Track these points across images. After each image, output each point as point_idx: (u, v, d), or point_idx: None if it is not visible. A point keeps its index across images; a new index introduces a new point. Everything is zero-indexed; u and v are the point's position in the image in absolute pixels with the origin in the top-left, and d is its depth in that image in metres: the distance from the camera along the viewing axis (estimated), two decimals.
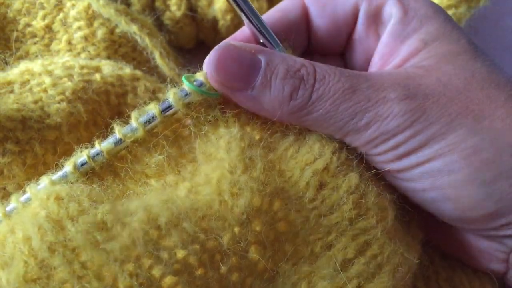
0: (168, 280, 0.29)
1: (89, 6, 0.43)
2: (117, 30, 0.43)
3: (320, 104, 0.33)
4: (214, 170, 0.33)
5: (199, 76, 0.35)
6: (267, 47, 0.37)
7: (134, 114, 0.35)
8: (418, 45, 0.36)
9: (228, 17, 0.51)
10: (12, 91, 0.41)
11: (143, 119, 0.35)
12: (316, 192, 0.34)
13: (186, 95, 0.35)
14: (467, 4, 0.51)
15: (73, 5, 0.43)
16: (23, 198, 0.34)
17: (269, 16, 0.39)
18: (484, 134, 0.33)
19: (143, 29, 0.44)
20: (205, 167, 0.34)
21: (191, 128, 0.35)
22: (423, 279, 0.39)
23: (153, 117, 0.35)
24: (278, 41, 0.37)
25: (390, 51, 0.37)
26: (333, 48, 0.41)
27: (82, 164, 0.34)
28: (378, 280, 0.33)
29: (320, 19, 0.39)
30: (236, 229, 0.31)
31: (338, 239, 0.34)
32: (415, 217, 0.39)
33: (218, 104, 0.36)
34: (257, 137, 0.36)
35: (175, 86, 0.35)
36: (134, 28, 0.43)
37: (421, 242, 0.38)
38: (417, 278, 0.38)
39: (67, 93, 0.40)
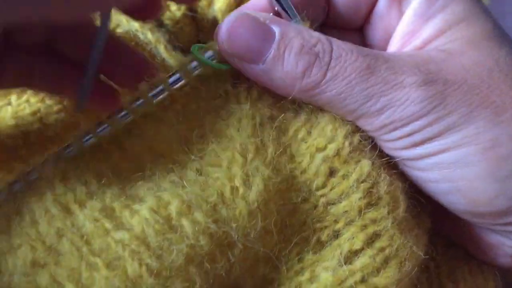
0: (178, 268, 0.28)
1: None
2: (118, 30, 0.44)
3: (335, 84, 0.31)
4: (224, 150, 0.32)
5: (210, 47, 0.33)
6: (282, 17, 0.35)
7: (142, 87, 0.33)
8: (442, 26, 0.34)
9: None
10: (9, 103, 0.39)
11: (151, 92, 0.33)
12: (326, 179, 0.33)
13: (195, 67, 0.33)
14: None
15: None
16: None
17: None
18: (503, 128, 0.31)
19: (145, 26, 0.44)
20: (215, 145, 0.32)
21: (200, 103, 0.34)
22: (425, 272, 0.39)
23: (161, 90, 0.33)
24: (295, 11, 0.34)
25: (412, 30, 0.35)
26: (352, 22, 0.38)
27: (87, 139, 0.33)
28: (384, 274, 0.32)
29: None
30: (247, 219, 0.30)
31: (346, 228, 0.33)
32: (424, 207, 0.37)
33: (229, 78, 0.34)
34: (268, 114, 0.34)
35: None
36: (135, 26, 0.43)
37: (428, 232, 0.37)
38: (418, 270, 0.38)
39: (65, 103, 0.38)
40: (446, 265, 0.40)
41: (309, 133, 0.34)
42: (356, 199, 0.32)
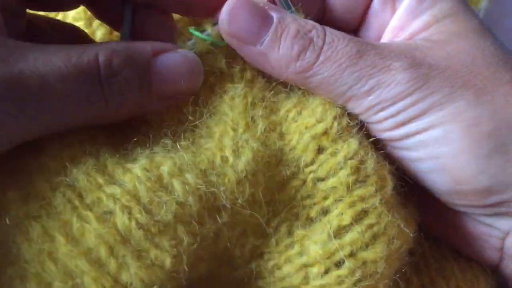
0: (166, 225, 0.29)
1: None
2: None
3: (327, 67, 0.33)
4: (217, 124, 0.34)
5: (207, 27, 0.36)
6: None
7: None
8: (429, 20, 0.36)
9: None
10: None
11: None
12: (314, 156, 0.34)
13: (193, 44, 0.35)
14: None
15: None
16: None
17: None
18: (484, 107, 0.33)
19: None
20: (208, 118, 0.34)
21: None
22: (415, 269, 0.39)
23: None
24: (290, 3, 0.36)
25: (402, 25, 0.37)
26: (348, 24, 0.40)
27: None
28: (372, 249, 0.33)
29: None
30: (235, 185, 0.31)
31: (335, 205, 0.33)
32: (412, 199, 0.38)
33: (225, 58, 0.36)
34: (260, 95, 0.35)
35: None
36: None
37: (417, 222, 0.38)
38: (408, 267, 0.38)
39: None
40: (436, 263, 0.40)
41: (299, 113, 0.35)
42: (344, 175, 0.33)
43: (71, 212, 0.29)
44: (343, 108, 0.35)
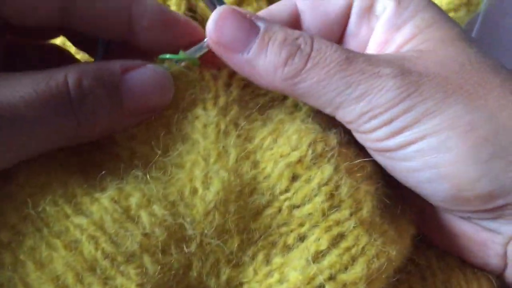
0: (132, 255, 0.30)
1: None
2: None
3: (315, 72, 0.33)
4: (188, 153, 0.34)
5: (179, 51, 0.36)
6: None
7: None
8: (413, 31, 0.36)
9: None
10: None
11: None
12: (289, 184, 0.34)
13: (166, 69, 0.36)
14: (466, 7, 0.51)
15: None
16: None
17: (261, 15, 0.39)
18: (479, 112, 0.32)
19: None
20: (179, 146, 0.35)
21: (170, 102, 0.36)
22: (421, 280, 0.39)
23: None
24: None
25: (385, 39, 0.37)
26: None
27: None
28: (351, 271, 0.33)
29: (311, 21, 0.39)
30: (203, 216, 0.32)
31: (311, 230, 0.34)
32: (407, 212, 0.39)
33: (197, 83, 0.36)
34: (233, 122, 0.36)
35: None
36: None
37: (412, 237, 0.38)
38: (414, 278, 0.38)
39: None
40: (442, 274, 0.40)
41: (275, 141, 0.36)
42: (319, 201, 0.34)
43: (39, 240, 0.30)
44: (320, 133, 0.36)
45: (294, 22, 0.40)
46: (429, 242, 0.39)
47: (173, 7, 0.51)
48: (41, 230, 0.30)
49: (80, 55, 0.45)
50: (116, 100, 0.32)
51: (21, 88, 0.29)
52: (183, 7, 0.51)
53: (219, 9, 0.35)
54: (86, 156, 0.35)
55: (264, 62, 0.34)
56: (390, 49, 0.37)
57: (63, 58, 0.41)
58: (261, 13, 0.40)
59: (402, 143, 0.34)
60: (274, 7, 0.41)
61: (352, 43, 0.40)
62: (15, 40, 0.39)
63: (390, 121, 0.33)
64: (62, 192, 0.31)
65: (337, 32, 0.40)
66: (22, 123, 0.29)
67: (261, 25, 0.35)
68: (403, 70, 0.33)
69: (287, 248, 0.34)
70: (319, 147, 0.35)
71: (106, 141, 0.35)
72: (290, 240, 0.34)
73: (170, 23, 0.37)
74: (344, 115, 0.34)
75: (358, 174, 0.36)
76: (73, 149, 0.34)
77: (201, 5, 0.52)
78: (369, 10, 0.38)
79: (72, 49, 0.44)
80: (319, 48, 0.34)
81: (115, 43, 0.39)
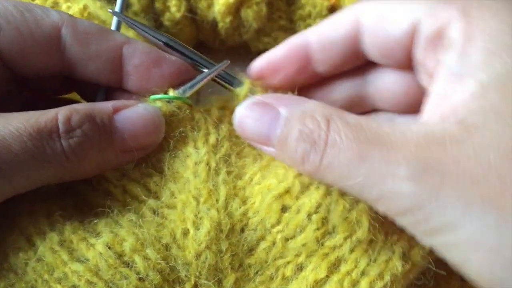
0: None
1: (85, 8, 0.43)
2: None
3: (331, 170, 0.31)
4: (180, 192, 0.35)
5: (169, 91, 0.37)
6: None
7: None
8: (474, 91, 0.30)
9: (228, 19, 0.51)
10: None
11: None
12: (279, 216, 0.34)
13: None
14: None
15: (69, 7, 0.43)
16: None
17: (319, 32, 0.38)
18: (505, 234, 0.27)
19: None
20: (171, 185, 0.35)
21: (162, 141, 0.36)
22: None
23: None
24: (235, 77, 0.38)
25: (446, 91, 0.32)
26: (391, 63, 0.38)
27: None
28: None
29: (370, 42, 0.37)
30: (195, 258, 0.33)
31: (308, 260, 0.34)
32: None
33: (188, 121, 0.37)
34: (224, 160, 0.36)
35: None
36: (130, 34, 0.43)
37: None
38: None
39: None
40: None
41: (263, 177, 0.36)
42: (311, 230, 0.33)
43: (42, 285, 0.32)
44: None
45: (352, 40, 0.38)
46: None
47: (172, 9, 0.51)
48: (43, 276, 0.32)
49: None
50: (106, 137, 0.33)
51: (12, 123, 0.31)
52: (183, 9, 0.51)
53: (241, 106, 0.35)
54: (81, 196, 0.36)
55: (287, 157, 0.34)
56: (444, 107, 0.32)
57: None
58: (319, 28, 0.38)
59: (425, 242, 0.31)
60: (334, 20, 0.38)
61: (421, 71, 0.36)
62: (32, 96, 0.40)
63: (409, 224, 0.31)
64: (58, 239, 0.33)
65: (399, 57, 0.36)
66: (10, 156, 0.30)
67: (282, 112, 0.33)
68: (424, 168, 0.29)
69: (286, 280, 0.34)
70: (307, 177, 0.34)
71: (99, 179, 0.36)
72: (288, 272, 0.34)
73: (160, 62, 0.37)
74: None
75: None
76: (69, 189, 0.36)
77: (201, 6, 0.51)
78: (435, 40, 0.34)
79: None
80: (334, 143, 0.31)
81: (114, 91, 0.40)
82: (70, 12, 0.42)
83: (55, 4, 0.44)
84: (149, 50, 0.37)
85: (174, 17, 0.51)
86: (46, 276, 0.32)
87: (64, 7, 0.43)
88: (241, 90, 0.38)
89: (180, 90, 0.37)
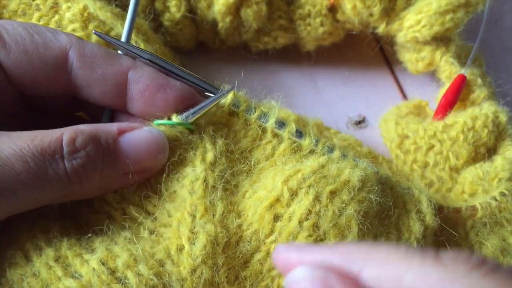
0: None
1: (84, 8, 0.43)
2: (112, 34, 0.43)
3: None
4: (176, 210, 0.35)
5: (172, 116, 0.37)
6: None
7: None
8: None
9: (228, 19, 0.51)
10: None
11: None
12: (272, 225, 0.35)
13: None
14: (465, 9, 0.49)
15: (69, 7, 0.43)
16: None
17: None
18: None
19: (139, 35, 0.44)
20: (168, 205, 0.35)
21: None
22: None
23: None
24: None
25: None
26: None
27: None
28: None
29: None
30: (190, 273, 0.33)
31: None
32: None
33: (187, 143, 0.37)
34: (221, 176, 0.36)
35: None
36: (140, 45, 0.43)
37: None
38: None
39: None
40: None
41: (254, 191, 0.36)
42: (304, 237, 0.34)
43: None
44: (292, 169, 0.36)
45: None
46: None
47: (172, 9, 0.51)
48: None
49: None
50: (110, 159, 0.34)
51: (16, 143, 0.31)
52: (182, 9, 0.51)
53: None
54: (82, 217, 0.37)
55: None
56: None
57: None
58: None
59: None
60: None
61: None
62: (40, 113, 0.40)
63: None
64: (54, 255, 0.33)
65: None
66: (13, 176, 0.30)
67: None
68: None
69: None
70: (294, 182, 0.35)
71: (100, 202, 0.37)
72: (283, 281, 0.34)
73: (165, 87, 0.37)
74: None
75: (343, 192, 0.35)
76: (69, 210, 0.36)
77: (201, 7, 0.51)
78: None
79: None
80: None
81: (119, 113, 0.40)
82: (70, 12, 0.43)
83: (55, 5, 0.44)
84: (154, 76, 0.38)
85: (174, 17, 0.51)
86: None
87: (64, 7, 0.43)
88: (226, 100, 0.39)
89: (183, 116, 0.37)
